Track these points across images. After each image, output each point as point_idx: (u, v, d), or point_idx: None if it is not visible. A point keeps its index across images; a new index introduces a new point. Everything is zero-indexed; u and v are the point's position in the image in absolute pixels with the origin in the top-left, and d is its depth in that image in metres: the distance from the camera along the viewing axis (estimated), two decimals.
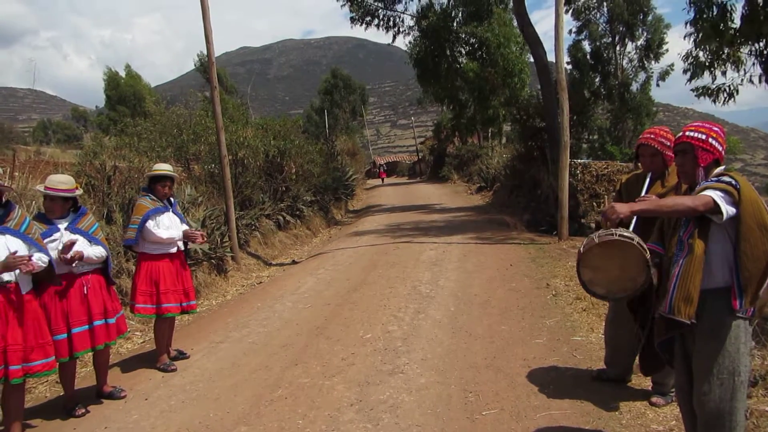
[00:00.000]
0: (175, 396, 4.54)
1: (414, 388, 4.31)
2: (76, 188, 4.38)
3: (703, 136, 2.86)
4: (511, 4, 18.88)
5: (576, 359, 4.69)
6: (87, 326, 4.25)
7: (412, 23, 30.83)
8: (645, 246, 3.02)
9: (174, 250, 5.29)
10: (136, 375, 5.10)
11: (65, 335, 4.14)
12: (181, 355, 5.45)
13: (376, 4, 30.83)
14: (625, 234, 3.03)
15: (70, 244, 4.05)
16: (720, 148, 2.87)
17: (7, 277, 3.53)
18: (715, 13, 11.83)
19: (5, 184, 3.67)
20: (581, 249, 3.18)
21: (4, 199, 3.69)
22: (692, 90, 13.31)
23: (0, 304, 3.51)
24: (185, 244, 5.52)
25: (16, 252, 3.50)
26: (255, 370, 4.98)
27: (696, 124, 2.97)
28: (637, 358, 3.43)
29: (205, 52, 10.60)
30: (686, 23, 12.56)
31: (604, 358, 4.33)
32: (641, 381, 4.14)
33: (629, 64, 38.17)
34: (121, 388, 4.64)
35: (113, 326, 4.47)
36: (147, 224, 5.06)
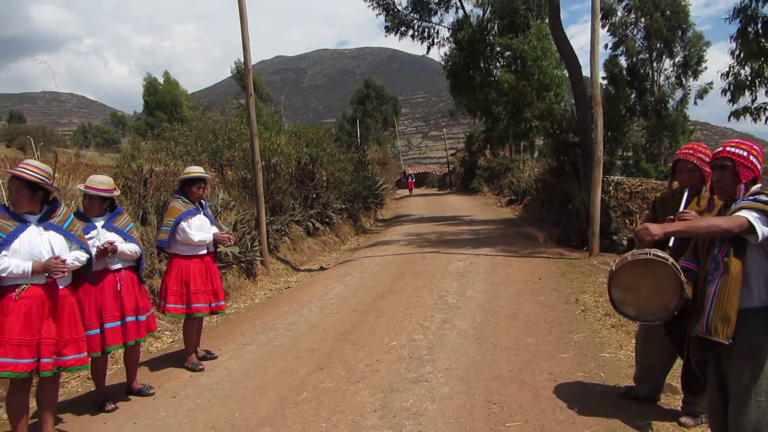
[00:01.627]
0: (202, 395, 4.60)
1: (438, 396, 4.30)
2: (114, 189, 4.52)
3: (745, 153, 2.83)
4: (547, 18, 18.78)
5: (603, 376, 4.62)
6: (119, 322, 4.35)
7: (447, 35, 30.91)
8: (679, 268, 2.98)
9: (204, 251, 5.39)
10: (164, 373, 5.19)
11: (98, 330, 4.24)
12: (209, 356, 5.52)
13: (412, 15, 31.02)
14: (660, 254, 3.00)
15: (110, 247, 4.22)
16: (759, 167, 2.84)
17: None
18: (759, 27, 11.53)
19: (53, 185, 3.81)
20: (613, 267, 3.15)
21: (51, 197, 3.83)
22: (732, 113, 12.87)
23: (38, 298, 3.62)
24: (215, 246, 5.62)
25: (59, 257, 3.64)
26: (280, 372, 5.03)
27: (736, 140, 2.94)
28: (680, 376, 3.36)
29: (241, 60, 10.77)
30: (730, 38, 12.22)
31: (633, 376, 4.26)
32: (670, 401, 4.07)
33: (666, 81, 37.63)
34: (150, 385, 4.73)
35: (144, 323, 4.56)
36: (180, 226, 5.16)
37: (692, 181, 3.70)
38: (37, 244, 3.65)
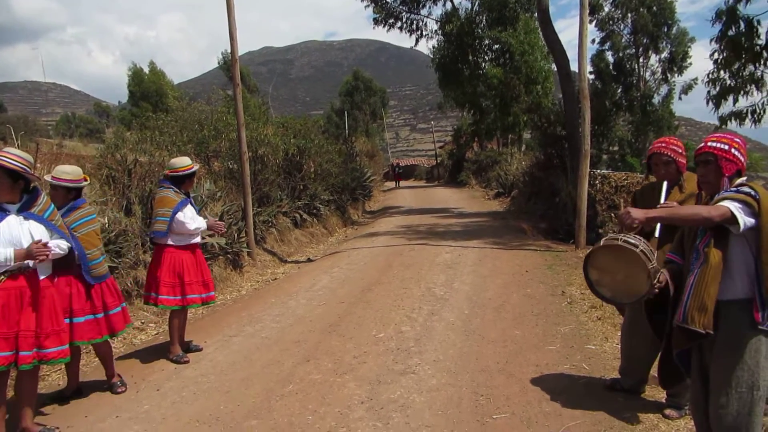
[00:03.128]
0: (186, 388, 4.56)
1: (425, 388, 4.29)
2: (83, 179, 4.38)
3: (726, 147, 2.84)
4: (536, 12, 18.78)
5: (589, 368, 4.64)
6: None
7: (435, 27, 30.85)
8: (651, 256, 3.00)
9: (197, 240, 5.36)
10: (148, 366, 5.14)
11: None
12: (195, 348, 5.48)
13: (400, 7, 30.91)
14: (630, 241, 3.04)
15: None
16: (742, 159, 2.85)
17: (31, 263, 3.59)
18: (741, 28, 11.61)
19: (34, 174, 3.72)
20: (589, 250, 3.20)
21: (31, 186, 3.74)
22: (719, 118, 12.93)
23: (16, 289, 3.56)
24: (202, 237, 5.57)
25: (40, 240, 3.56)
26: (267, 364, 5.00)
27: (717, 134, 2.96)
28: (656, 368, 3.40)
29: (228, 51, 10.67)
30: (711, 40, 12.29)
31: (618, 368, 4.28)
32: (655, 393, 4.09)
33: (652, 77, 37.88)
34: (122, 382, 4.60)
35: (103, 321, 4.40)
36: (177, 216, 5.11)
37: (669, 173, 3.76)
38: (18, 233, 3.56)
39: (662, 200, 3.59)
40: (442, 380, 4.45)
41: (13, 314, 3.52)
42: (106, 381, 4.60)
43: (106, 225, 7.08)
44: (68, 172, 4.28)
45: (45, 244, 3.54)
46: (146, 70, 49.94)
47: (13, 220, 3.57)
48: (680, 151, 3.73)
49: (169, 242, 5.19)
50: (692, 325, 2.73)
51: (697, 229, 2.89)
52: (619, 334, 4.50)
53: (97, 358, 4.77)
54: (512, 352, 5.06)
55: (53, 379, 4.95)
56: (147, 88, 47.82)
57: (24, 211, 3.65)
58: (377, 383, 4.43)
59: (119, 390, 4.53)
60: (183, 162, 5.38)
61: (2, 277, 3.50)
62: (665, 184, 3.72)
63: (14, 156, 3.59)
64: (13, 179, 3.58)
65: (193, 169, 5.33)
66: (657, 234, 3.32)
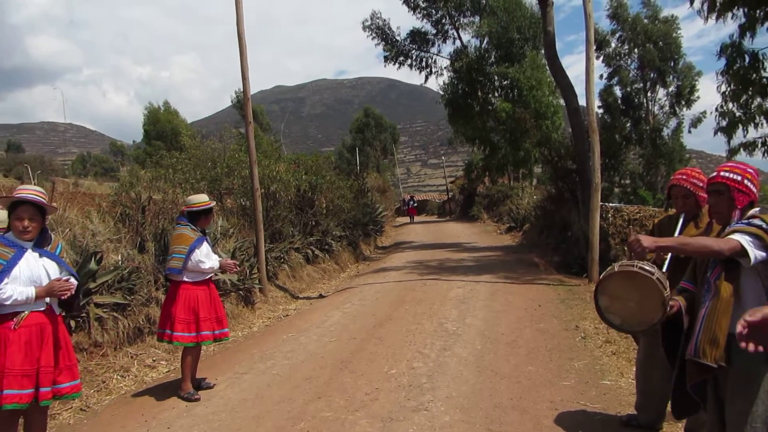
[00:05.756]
0: (197, 426, 4.53)
1: (438, 425, 4.24)
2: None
3: (739, 177, 2.81)
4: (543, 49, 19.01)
5: (605, 404, 4.57)
6: None
7: (445, 64, 31.26)
8: (665, 284, 2.98)
9: (210, 276, 5.39)
10: (159, 404, 5.11)
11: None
12: (206, 385, 5.46)
13: (410, 45, 31.42)
14: (646, 267, 3.01)
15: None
16: (755, 190, 2.83)
17: (47, 299, 3.63)
18: (746, 62, 11.71)
19: (51, 204, 3.78)
20: (601, 275, 3.17)
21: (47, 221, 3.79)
22: (729, 150, 13.00)
23: (37, 326, 3.58)
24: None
25: (60, 278, 3.60)
26: (278, 402, 4.96)
27: (730, 164, 2.92)
28: (670, 399, 3.33)
29: (241, 89, 10.86)
30: (717, 73, 12.40)
31: (634, 404, 4.21)
32: (673, 429, 4.01)
33: (660, 110, 37.98)
34: None
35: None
36: (194, 254, 5.15)
37: (687, 206, 3.68)
38: (37, 271, 3.60)
39: (676, 234, 3.55)
40: (455, 417, 4.39)
41: (35, 351, 3.54)
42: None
43: (120, 262, 7.14)
44: (3, 220, 3.92)
45: (67, 281, 3.59)
46: (161, 109, 50.89)
47: (30, 257, 3.62)
48: (701, 184, 3.56)
49: (184, 279, 5.23)
50: (704, 359, 2.69)
51: (708, 260, 2.87)
52: (635, 369, 4.43)
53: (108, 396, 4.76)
54: (526, 387, 4.99)
55: (63, 418, 4.93)
56: (162, 127, 48.59)
57: (38, 248, 3.70)
58: (389, 420, 4.37)
59: None
60: (199, 198, 5.46)
61: (24, 314, 3.53)
62: (682, 217, 3.68)
63: (36, 191, 3.65)
64: (43, 215, 3.66)
65: (208, 206, 5.39)
66: (665, 269, 3.28)
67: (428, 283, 10.87)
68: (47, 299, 3.63)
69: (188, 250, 5.14)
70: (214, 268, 5.35)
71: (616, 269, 3.15)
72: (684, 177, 3.67)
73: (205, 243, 5.32)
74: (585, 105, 11.04)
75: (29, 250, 3.63)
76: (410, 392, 4.98)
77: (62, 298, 3.61)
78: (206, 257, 5.26)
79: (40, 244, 3.72)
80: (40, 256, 3.69)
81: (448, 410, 4.53)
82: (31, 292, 3.50)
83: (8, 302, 3.43)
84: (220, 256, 5.76)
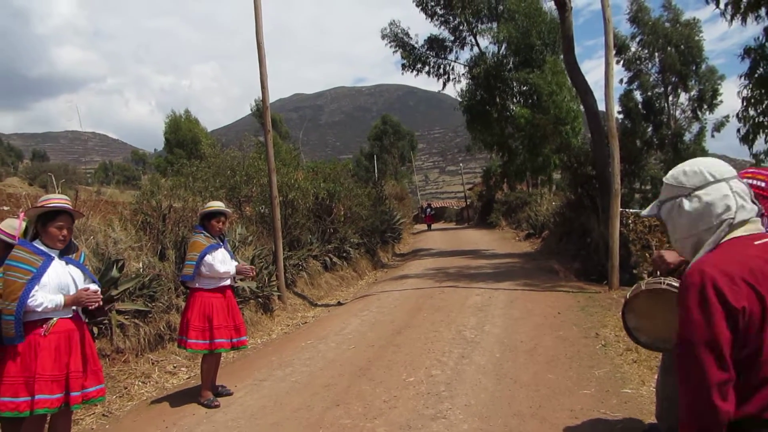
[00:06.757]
0: None
1: None
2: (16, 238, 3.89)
3: (763, 184, 2.75)
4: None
5: (626, 413, 4.51)
6: None
7: (462, 71, 31.30)
8: None
9: (226, 284, 5.44)
10: (179, 410, 5.16)
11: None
12: (225, 392, 5.49)
13: (427, 52, 31.51)
14: (674, 284, 2.96)
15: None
16: None
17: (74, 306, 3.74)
18: None
19: (80, 211, 3.88)
20: (628, 294, 3.12)
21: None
22: (752, 156, 12.80)
23: (66, 332, 3.67)
24: (233, 280, 5.65)
25: (88, 288, 3.71)
26: (297, 409, 4.98)
27: (753, 170, 2.86)
28: None
29: (261, 98, 10.96)
30: (740, 76, 12.20)
31: (655, 412, 4.15)
32: None
33: (682, 115, 37.54)
34: None
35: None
36: (205, 259, 5.20)
37: None
38: (65, 279, 3.70)
39: None
40: (473, 425, 4.36)
41: (63, 357, 3.62)
42: None
43: (141, 269, 7.23)
44: (16, 227, 3.94)
45: (96, 292, 3.70)
46: (182, 118, 51.47)
47: (58, 265, 3.70)
48: None
49: (198, 285, 5.29)
50: None
51: None
52: (656, 375, 4.37)
53: (130, 402, 4.80)
54: (545, 396, 4.95)
55: (86, 423, 4.99)
56: (183, 136, 49.12)
57: (64, 256, 3.78)
58: (407, 428, 4.36)
59: None
60: (210, 203, 5.58)
61: (54, 320, 3.61)
62: None
63: (63, 200, 3.77)
64: (72, 222, 3.77)
65: (213, 210, 5.42)
66: None
67: (446, 291, 10.83)
68: (73, 307, 3.70)
69: (199, 256, 5.19)
70: (229, 272, 5.38)
71: (643, 287, 3.09)
72: None
73: (220, 249, 5.37)
74: (604, 110, 10.96)
75: (56, 258, 3.72)
76: (428, 400, 4.96)
77: (90, 308, 3.72)
78: (220, 263, 5.31)
79: (66, 252, 3.81)
80: (67, 263, 3.77)
81: (467, 418, 4.50)
82: (60, 299, 3.59)
83: (39, 309, 3.51)
84: (238, 263, 5.79)
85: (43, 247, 3.68)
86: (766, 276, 1.68)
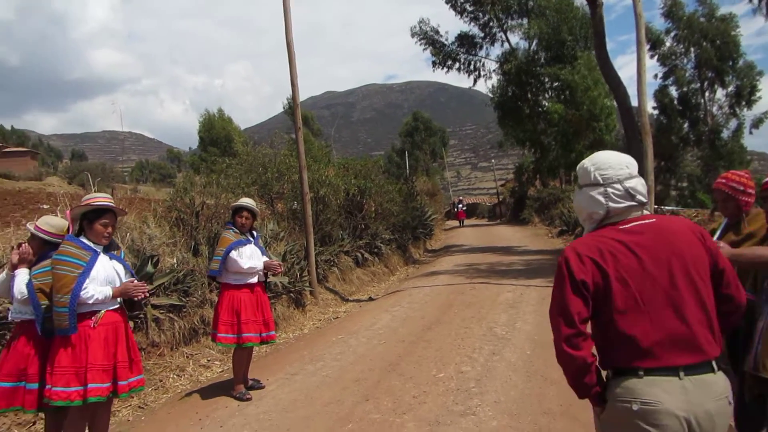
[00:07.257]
0: (249, 425, 4.64)
1: (485, 430, 4.21)
2: (62, 236, 3.97)
3: None
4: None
5: None
6: None
7: (493, 67, 31.06)
8: None
9: (254, 280, 5.49)
10: (212, 402, 5.26)
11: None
12: (257, 385, 5.57)
13: (458, 49, 31.36)
14: None
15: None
16: None
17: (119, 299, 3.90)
18: None
19: (122, 209, 4.03)
20: None
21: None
22: None
23: (113, 324, 3.82)
24: (266, 276, 5.72)
25: (134, 280, 3.89)
26: (327, 403, 5.03)
27: None
28: (733, 413, 3.21)
29: (291, 96, 11.07)
30: None
31: None
32: None
33: (719, 111, 36.61)
34: None
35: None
36: (230, 255, 5.28)
37: (728, 211, 3.49)
38: (111, 273, 3.86)
39: (715, 238, 3.40)
40: (503, 422, 4.36)
41: (111, 347, 3.76)
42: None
43: (175, 265, 7.38)
44: (53, 225, 4.02)
45: (142, 283, 3.88)
46: (216, 116, 52.26)
47: (104, 260, 3.86)
48: (741, 188, 3.36)
49: (228, 281, 5.39)
50: (764, 373, 2.60)
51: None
52: None
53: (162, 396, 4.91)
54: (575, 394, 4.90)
55: (123, 415, 5.12)
56: (217, 134, 49.85)
57: (108, 251, 3.93)
58: (436, 424, 4.38)
59: None
60: (239, 200, 5.67)
61: (102, 312, 3.76)
62: (724, 221, 3.56)
63: (105, 198, 3.92)
64: (116, 220, 3.95)
65: (236, 205, 5.55)
66: None
67: (477, 287, 10.80)
68: (119, 299, 3.86)
69: (225, 251, 5.28)
70: (255, 268, 5.42)
71: None
72: (723, 181, 3.47)
73: (249, 245, 5.44)
74: (638, 106, 10.77)
75: (101, 253, 3.86)
76: (458, 396, 4.96)
77: (136, 299, 3.89)
78: (248, 258, 5.38)
79: (109, 248, 3.97)
80: (110, 258, 3.92)
81: (496, 415, 4.50)
82: (108, 291, 3.76)
83: (90, 301, 3.66)
84: (269, 259, 5.86)
85: (88, 243, 3.81)
86: (614, 255, 1.98)
